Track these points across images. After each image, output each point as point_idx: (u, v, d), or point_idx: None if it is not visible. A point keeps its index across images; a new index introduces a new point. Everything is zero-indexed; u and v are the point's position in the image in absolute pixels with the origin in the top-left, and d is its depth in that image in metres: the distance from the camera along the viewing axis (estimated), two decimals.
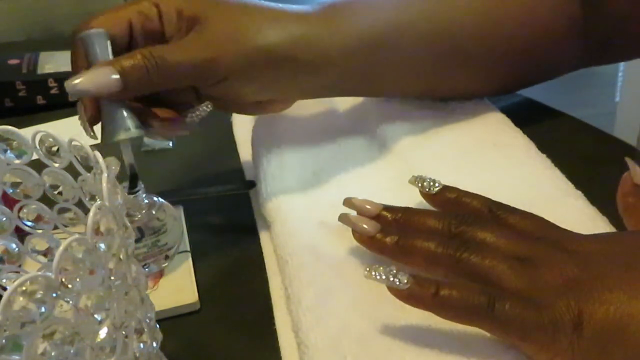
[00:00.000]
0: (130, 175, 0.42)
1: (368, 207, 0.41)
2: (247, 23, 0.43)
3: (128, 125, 0.40)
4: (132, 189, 0.42)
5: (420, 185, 0.42)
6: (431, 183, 0.42)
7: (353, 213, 0.41)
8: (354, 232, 0.40)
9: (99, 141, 0.41)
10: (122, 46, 0.42)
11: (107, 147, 0.39)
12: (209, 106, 0.44)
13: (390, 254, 0.39)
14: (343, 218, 0.41)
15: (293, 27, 0.44)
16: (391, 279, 0.34)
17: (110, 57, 0.41)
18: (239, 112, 0.49)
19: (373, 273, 0.35)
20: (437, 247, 0.37)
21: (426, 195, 0.42)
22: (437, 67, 0.51)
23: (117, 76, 0.39)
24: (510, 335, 0.33)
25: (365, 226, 0.39)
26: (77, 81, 0.39)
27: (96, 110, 0.41)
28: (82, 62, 0.42)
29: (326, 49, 0.45)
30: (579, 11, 0.52)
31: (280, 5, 0.45)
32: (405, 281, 0.34)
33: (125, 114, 0.40)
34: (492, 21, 0.51)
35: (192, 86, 0.44)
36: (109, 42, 0.41)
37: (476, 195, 0.41)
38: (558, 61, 0.56)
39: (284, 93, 0.47)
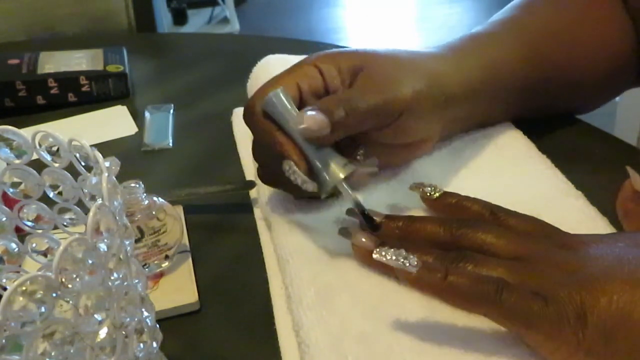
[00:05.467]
0: (361, 212, 0.41)
1: (367, 239, 0.40)
2: (392, 76, 0.44)
3: (344, 161, 0.41)
4: (371, 228, 0.41)
5: (421, 190, 0.43)
6: (432, 189, 0.42)
7: (354, 221, 0.41)
8: (354, 246, 0.40)
9: (319, 193, 0.41)
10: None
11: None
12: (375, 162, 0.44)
13: (389, 269, 0.39)
14: (343, 232, 0.41)
15: (426, 79, 0.45)
16: (401, 260, 0.34)
17: (296, 110, 0.41)
18: (392, 161, 0.49)
19: (383, 253, 0.35)
20: (435, 262, 0.37)
21: (427, 200, 0.42)
22: (539, 92, 0.53)
23: (326, 119, 0.39)
24: (515, 324, 0.33)
25: (364, 240, 0.39)
26: (303, 126, 0.39)
27: (307, 163, 0.41)
28: (275, 128, 0.42)
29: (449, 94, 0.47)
30: (635, 33, 0.54)
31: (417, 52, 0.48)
32: (415, 264, 0.34)
33: (335, 153, 0.41)
34: (575, 54, 0.54)
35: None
36: (289, 97, 0.42)
37: (477, 199, 0.41)
38: (623, 83, 0.58)
39: (425, 132, 0.47)
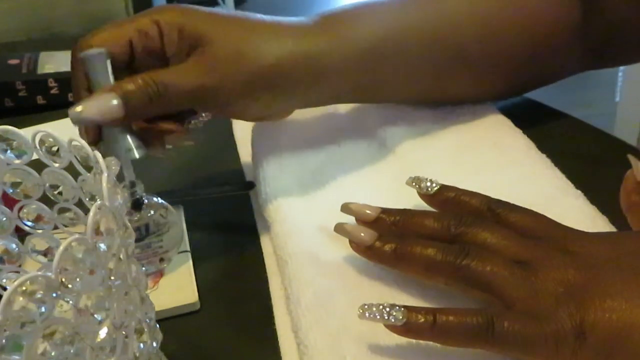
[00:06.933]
0: (131, 194, 0.42)
1: (367, 211, 0.41)
2: (247, 43, 0.43)
3: (130, 146, 0.41)
4: (135, 208, 0.42)
5: (418, 186, 0.42)
6: (429, 184, 0.41)
7: (350, 219, 0.41)
8: (351, 242, 0.40)
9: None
10: (123, 64, 0.42)
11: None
12: (209, 115, 0.44)
13: (389, 262, 0.38)
14: (339, 228, 0.40)
15: (292, 43, 0.44)
16: (386, 317, 0.34)
17: (111, 78, 0.41)
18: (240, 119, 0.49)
19: (367, 314, 0.34)
20: (437, 254, 0.36)
21: (424, 196, 0.42)
22: (440, 73, 0.51)
23: (119, 102, 0.39)
24: (512, 352, 0.33)
25: (362, 235, 0.39)
26: (80, 109, 0.39)
27: (97, 133, 0.42)
28: (84, 82, 0.42)
29: (325, 64, 0.45)
30: (579, 16, 0.53)
31: (279, 18, 0.45)
32: (401, 317, 0.33)
33: (127, 136, 0.41)
34: (495, 27, 0.51)
35: None
36: (109, 62, 0.41)
37: (475, 193, 0.40)
38: (559, 65, 0.56)
39: (284, 108, 0.48)
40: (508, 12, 0.51)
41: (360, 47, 0.47)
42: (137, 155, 0.41)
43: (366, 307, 0.34)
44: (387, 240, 0.38)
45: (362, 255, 0.39)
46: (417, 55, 0.49)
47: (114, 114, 0.39)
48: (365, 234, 0.39)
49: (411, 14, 0.50)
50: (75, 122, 0.39)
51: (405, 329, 0.33)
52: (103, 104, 0.39)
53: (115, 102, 0.39)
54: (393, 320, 0.33)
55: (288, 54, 0.44)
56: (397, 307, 0.34)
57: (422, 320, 0.33)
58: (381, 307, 0.34)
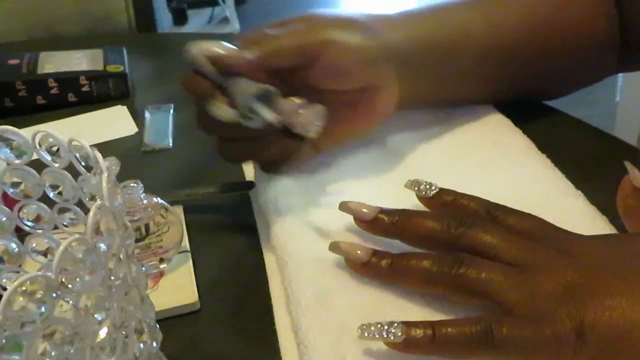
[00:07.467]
0: (281, 129, 0.41)
1: (364, 210, 0.41)
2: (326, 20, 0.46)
3: (259, 84, 0.41)
4: (295, 139, 0.41)
5: (416, 189, 0.42)
6: (427, 186, 0.41)
7: (349, 218, 0.41)
8: (347, 260, 0.40)
9: (240, 120, 0.41)
10: None
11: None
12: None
13: (386, 277, 0.38)
14: (334, 247, 0.40)
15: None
16: (385, 335, 0.34)
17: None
18: (356, 121, 0.49)
19: (366, 334, 0.34)
20: (432, 266, 0.36)
21: (423, 198, 0.42)
22: (502, 71, 0.54)
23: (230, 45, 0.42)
24: (514, 356, 0.33)
25: (358, 252, 0.39)
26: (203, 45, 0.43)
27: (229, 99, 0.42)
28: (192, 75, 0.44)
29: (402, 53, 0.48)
30: (616, 20, 0.55)
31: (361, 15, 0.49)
32: (400, 333, 0.33)
33: (252, 82, 0.42)
34: (543, 35, 0.54)
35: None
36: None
37: (473, 197, 0.40)
38: (600, 67, 0.58)
39: (385, 78, 0.48)
40: (554, 19, 0.54)
41: (430, 31, 0.50)
42: (263, 90, 0.41)
43: (364, 327, 0.34)
44: (383, 256, 0.38)
45: (359, 272, 0.39)
46: (478, 56, 0.52)
47: (224, 47, 0.42)
48: (361, 251, 0.39)
49: (474, 21, 0.52)
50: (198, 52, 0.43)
51: (405, 345, 0.33)
52: (217, 43, 0.43)
53: (223, 44, 0.42)
54: (392, 338, 0.33)
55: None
56: (396, 324, 0.34)
57: (421, 335, 0.33)
58: (379, 325, 0.34)
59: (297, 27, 0.45)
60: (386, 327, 0.34)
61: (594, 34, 0.55)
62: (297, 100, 0.41)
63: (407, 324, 0.34)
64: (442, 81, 0.52)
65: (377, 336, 0.34)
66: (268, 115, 0.40)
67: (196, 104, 0.45)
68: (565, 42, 0.54)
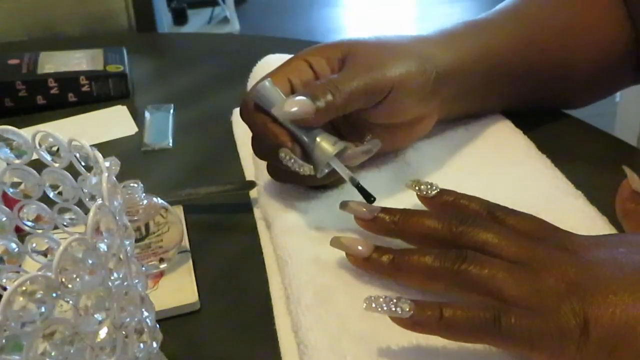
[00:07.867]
0: (355, 186, 0.42)
1: (364, 210, 0.41)
2: (384, 53, 0.46)
3: (335, 139, 0.42)
4: (368, 201, 0.42)
5: (417, 188, 0.42)
6: (428, 186, 0.41)
7: (349, 217, 0.41)
8: (348, 255, 0.40)
9: (314, 173, 0.42)
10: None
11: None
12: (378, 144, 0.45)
13: (388, 273, 0.38)
14: (335, 242, 0.40)
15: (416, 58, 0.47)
16: (393, 308, 0.33)
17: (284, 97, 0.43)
18: (395, 142, 0.50)
19: (373, 305, 0.34)
20: (435, 262, 0.36)
21: (423, 198, 0.42)
22: (527, 84, 0.54)
23: (309, 100, 0.41)
24: (519, 347, 0.33)
25: (359, 248, 0.39)
26: (286, 110, 0.41)
27: (301, 148, 0.42)
28: (261, 115, 0.43)
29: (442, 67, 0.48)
30: (632, 32, 0.55)
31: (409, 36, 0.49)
32: (408, 309, 0.33)
33: (326, 133, 0.42)
34: (567, 47, 0.55)
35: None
36: (278, 88, 0.43)
37: (474, 197, 0.41)
38: (619, 77, 0.58)
39: (432, 105, 0.49)
40: (578, 36, 0.55)
41: (471, 56, 0.50)
42: (343, 145, 0.42)
43: (372, 298, 0.34)
44: (384, 252, 0.38)
45: (360, 268, 0.39)
46: (520, 69, 0.53)
47: (307, 110, 0.41)
48: (363, 247, 0.39)
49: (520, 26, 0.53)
50: (285, 118, 0.42)
51: (411, 322, 0.33)
52: (298, 101, 0.41)
53: (303, 99, 0.41)
54: (400, 312, 0.33)
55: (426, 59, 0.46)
56: (404, 300, 0.34)
57: (429, 313, 0.33)
58: (388, 298, 0.34)
59: (356, 67, 0.44)
60: (394, 301, 0.34)
61: (614, 42, 0.55)
62: (363, 147, 0.43)
63: (416, 302, 0.34)
64: (475, 100, 0.53)
65: (384, 308, 0.34)
66: (346, 174, 0.42)
67: (264, 148, 0.45)
68: (588, 51, 0.55)
